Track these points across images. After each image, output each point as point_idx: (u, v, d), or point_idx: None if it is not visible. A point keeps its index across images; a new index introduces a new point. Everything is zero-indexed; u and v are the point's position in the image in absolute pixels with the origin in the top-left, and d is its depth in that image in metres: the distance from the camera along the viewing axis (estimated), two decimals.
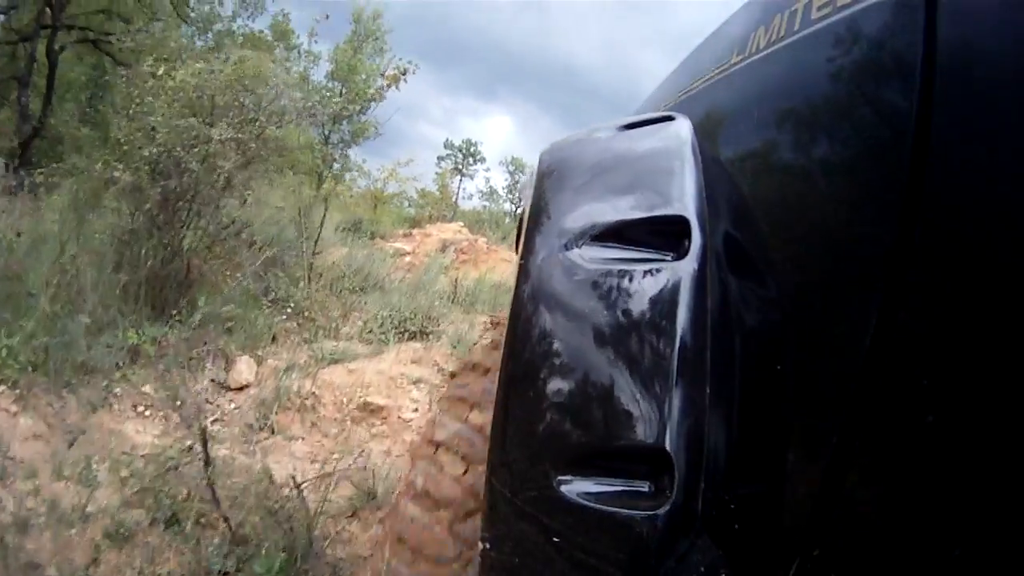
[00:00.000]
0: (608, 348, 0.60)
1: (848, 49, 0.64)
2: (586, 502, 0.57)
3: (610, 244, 0.65)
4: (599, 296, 0.62)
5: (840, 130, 0.65)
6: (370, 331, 5.59)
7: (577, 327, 0.62)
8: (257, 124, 5.18)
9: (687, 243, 0.63)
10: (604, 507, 0.57)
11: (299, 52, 21.46)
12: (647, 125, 0.76)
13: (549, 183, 0.74)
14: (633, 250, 0.64)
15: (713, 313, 0.62)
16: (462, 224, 15.62)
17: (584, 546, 0.58)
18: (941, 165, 0.53)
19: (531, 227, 0.70)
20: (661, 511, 0.55)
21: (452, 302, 7.67)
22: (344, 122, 20.48)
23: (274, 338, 4.99)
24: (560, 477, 0.59)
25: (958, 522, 0.51)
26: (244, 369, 4.25)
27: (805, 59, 0.71)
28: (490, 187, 36.06)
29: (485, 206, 32.84)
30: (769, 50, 0.76)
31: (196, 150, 4.61)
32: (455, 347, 5.35)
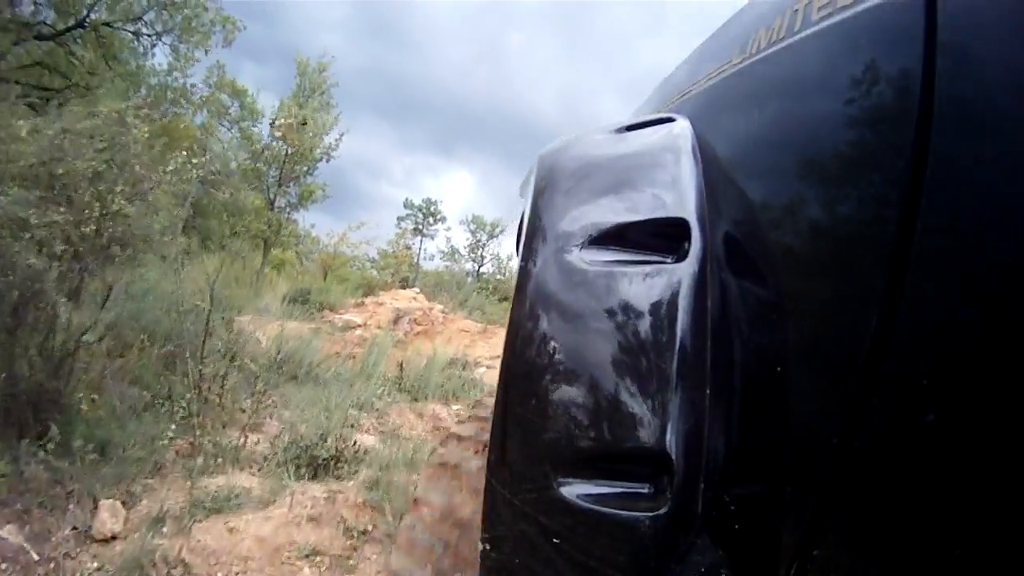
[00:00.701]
0: (608, 350, 0.60)
1: (849, 49, 0.65)
2: (586, 503, 0.57)
3: (610, 246, 0.65)
4: (599, 298, 0.62)
5: (841, 131, 0.65)
6: (269, 458, 4.37)
7: (577, 329, 0.62)
8: (112, 199, 4.19)
9: (687, 245, 0.63)
10: (604, 508, 0.57)
11: (242, 107, 21.11)
12: (647, 127, 0.76)
13: (549, 185, 0.73)
14: (633, 252, 0.64)
15: (713, 315, 0.62)
16: (418, 290, 15.20)
17: (584, 547, 0.58)
18: (942, 165, 0.53)
19: (531, 229, 0.70)
20: (661, 512, 0.56)
21: (399, 389, 7.10)
22: (291, 184, 20.27)
23: (157, 467, 3.89)
24: (560, 478, 0.59)
25: (958, 522, 0.51)
26: (107, 517, 3.29)
27: (806, 60, 0.71)
28: (451, 247, 36.06)
29: (447, 266, 32.91)
30: (770, 51, 0.76)
31: (29, 237, 3.67)
32: (371, 490, 4.02)
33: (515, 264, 0.74)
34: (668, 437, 0.57)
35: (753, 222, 0.73)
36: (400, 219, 36.53)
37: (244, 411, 4.86)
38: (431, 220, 36.42)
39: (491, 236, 35.59)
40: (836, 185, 0.66)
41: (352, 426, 5.29)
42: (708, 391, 0.59)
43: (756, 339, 0.68)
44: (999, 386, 0.49)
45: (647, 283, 0.62)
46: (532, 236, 0.69)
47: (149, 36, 12.56)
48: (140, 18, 12.18)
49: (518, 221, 0.88)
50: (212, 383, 4.80)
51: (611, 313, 0.61)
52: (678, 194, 0.67)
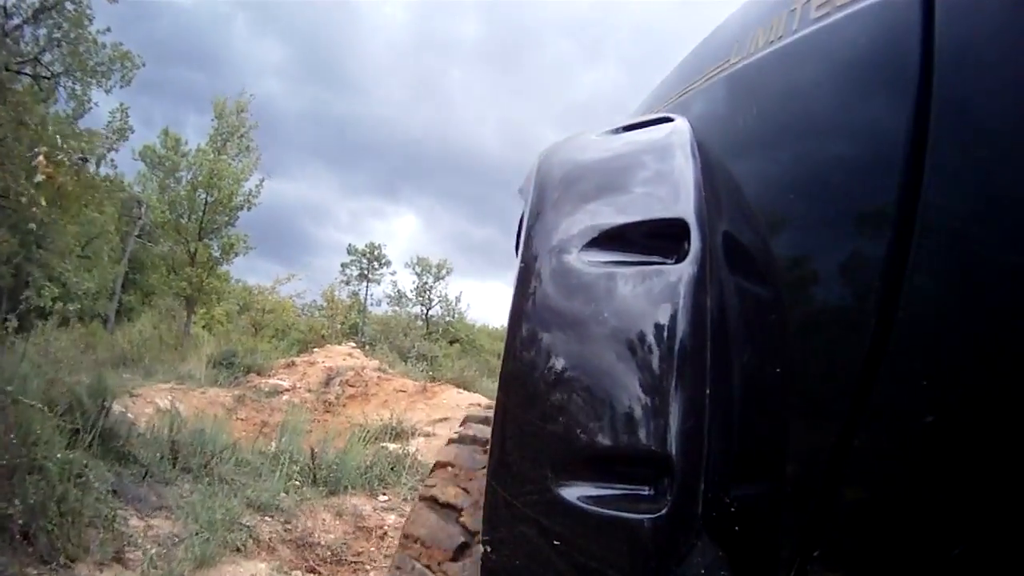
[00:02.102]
0: (608, 351, 0.60)
1: (846, 49, 0.65)
2: (586, 505, 0.57)
3: (609, 247, 0.65)
4: (598, 299, 0.62)
5: (838, 130, 0.66)
6: None
7: (576, 330, 0.62)
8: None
9: (686, 246, 0.63)
10: (604, 510, 0.57)
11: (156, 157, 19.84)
12: (645, 127, 0.76)
13: (547, 186, 0.73)
14: (632, 253, 0.64)
15: (712, 315, 0.62)
16: (353, 345, 14.32)
17: (584, 549, 0.58)
18: (940, 165, 0.53)
19: (530, 230, 0.70)
20: (661, 513, 0.56)
21: (313, 481, 5.60)
22: (211, 236, 19.47)
23: None
24: (560, 480, 0.59)
25: (958, 522, 0.51)
26: None
27: (804, 59, 0.71)
28: (398, 291, 34.99)
29: (394, 311, 32.11)
30: (768, 50, 0.76)
31: None
32: None
33: (514, 266, 0.72)
34: (668, 438, 0.57)
35: (752, 222, 0.73)
36: (344, 265, 35.70)
37: (97, 531, 3.55)
38: (376, 264, 35.81)
39: (437, 278, 34.80)
40: (834, 184, 0.66)
41: (239, 548, 4.03)
42: (708, 391, 0.59)
43: (756, 339, 0.68)
44: (998, 387, 0.49)
45: (646, 284, 0.62)
46: (531, 237, 0.69)
47: (47, 79, 11.79)
48: (36, 59, 11.42)
49: (517, 222, 0.86)
50: (59, 495, 3.39)
51: (610, 314, 0.61)
52: (677, 194, 0.66)
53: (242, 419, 8.34)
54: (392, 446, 7.27)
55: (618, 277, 0.62)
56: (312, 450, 6.02)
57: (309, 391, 10.40)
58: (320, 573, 4.20)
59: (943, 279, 0.54)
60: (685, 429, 0.57)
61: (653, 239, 0.64)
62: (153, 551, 3.65)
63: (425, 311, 33.36)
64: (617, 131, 0.77)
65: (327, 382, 10.86)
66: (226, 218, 19.21)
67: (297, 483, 5.44)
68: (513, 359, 0.65)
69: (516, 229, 0.86)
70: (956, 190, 0.53)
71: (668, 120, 0.75)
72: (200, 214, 18.37)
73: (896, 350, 0.55)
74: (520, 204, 0.84)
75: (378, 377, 11.12)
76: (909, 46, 0.57)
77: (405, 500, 5.65)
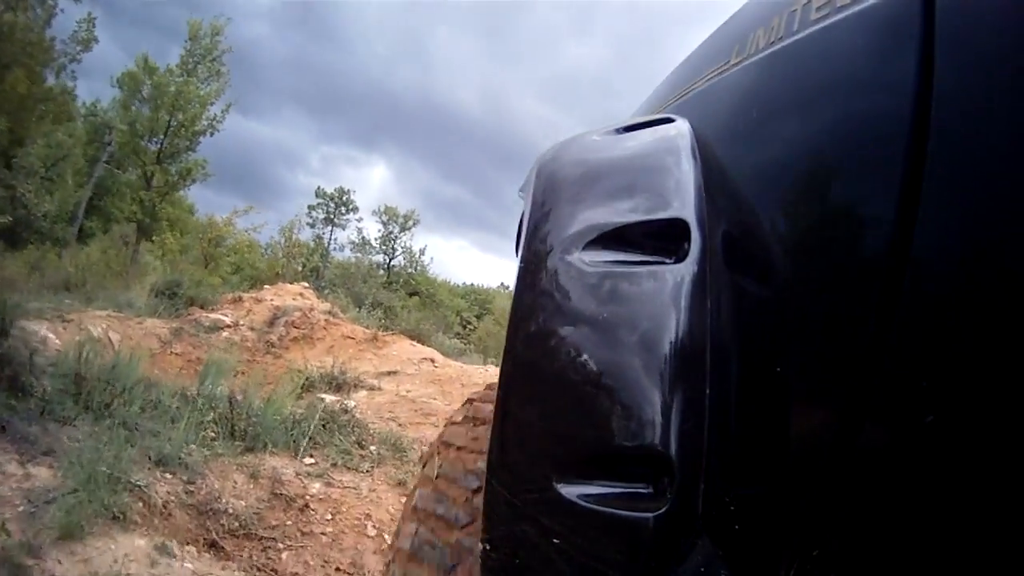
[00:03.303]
0: (608, 351, 0.60)
1: (847, 49, 0.65)
2: (586, 504, 0.57)
3: (609, 247, 0.65)
4: (598, 299, 0.62)
5: (839, 130, 0.66)
6: None
7: (576, 330, 0.62)
8: None
9: (687, 245, 0.63)
10: (604, 509, 0.57)
11: (153, 86, 18.99)
12: (646, 127, 0.76)
13: (548, 185, 0.73)
14: (633, 253, 0.64)
15: (712, 315, 0.62)
16: (306, 285, 13.24)
17: (584, 548, 0.58)
18: (940, 164, 0.54)
19: (530, 230, 0.70)
20: (661, 512, 0.56)
21: (231, 434, 4.70)
22: (170, 161, 18.74)
23: None
24: (560, 479, 0.58)
25: (958, 522, 0.51)
26: None
27: (804, 59, 0.72)
28: (362, 238, 34.59)
29: (357, 257, 31.57)
30: (768, 51, 0.77)
31: None
32: None
33: (516, 262, 0.72)
34: (668, 437, 0.57)
35: (752, 222, 0.74)
36: (311, 207, 35.14)
37: None
38: (343, 210, 35.08)
39: (403, 228, 34.49)
40: (835, 185, 0.67)
41: (118, 516, 3.17)
42: (708, 391, 0.59)
43: (756, 339, 0.68)
44: (999, 387, 0.49)
45: (647, 284, 0.62)
46: (531, 237, 0.69)
47: None
48: None
49: (517, 222, 0.86)
50: None
51: (611, 314, 0.61)
52: (677, 194, 0.67)
53: (177, 354, 7.72)
54: (330, 398, 6.46)
55: (618, 277, 0.62)
56: (231, 396, 5.06)
57: (252, 329, 9.73)
58: (222, 549, 3.50)
59: (944, 280, 0.54)
60: (685, 428, 0.57)
61: (653, 239, 0.65)
62: (20, 508, 3.01)
63: (388, 260, 33.03)
64: (618, 131, 0.77)
65: (272, 321, 10.09)
66: (187, 143, 18.58)
67: (212, 434, 4.58)
68: (513, 357, 0.65)
69: (516, 229, 0.86)
70: (957, 189, 0.53)
71: (669, 121, 0.76)
72: (161, 136, 17.66)
73: (896, 350, 0.55)
74: (520, 205, 0.84)
75: (326, 321, 10.43)
76: (909, 47, 0.57)
77: (335, 465, 4.94)
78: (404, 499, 3.77)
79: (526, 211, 0.74)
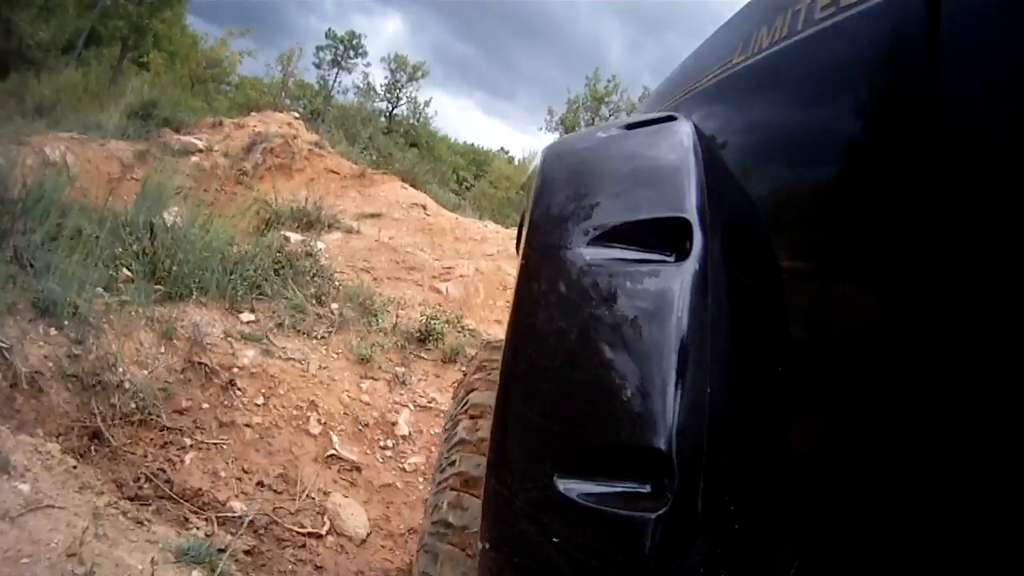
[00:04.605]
0: (609, 348, 0.60)
1: (851, 49, 0.65)
2: (586, 503, 0.57)
3: (612, 245, 0.65)
4: (600, 296, 0.62)
5: (843, 129, 0.66)
6: None
7: (578, 327, 0.62)
8: None
9: (688, 244, 0.63)
10: (604, 508, 0.57)
11: None
12: (649, 125, 0.76)
13: (551, 182, 0.73)
14: (635, 250, 0.65)
15: (714, 314, 0.63)
16: (296, 115, 11.55)
17: (584, 547, 0.58)
18: (945, 163, 0.54)
19: (533, 227, 0.70)
20: (661, 512, 0.56)
21: (152, 275, 3.37)
22: None
23: None
24: (560, 478, 0.59)
25: (958, 522, 0.52)
26: None
27: (808, 59, 0.71)
28: (367, 83, 32.85)
29: (360, 102, 29.87)
30: (771, 50, 0.76)
31: None
32: None
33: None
34: (668, 436, 0.57)
35: (754, 220, 0.74)
36: (320, 48, 33.44)
37: None
38: (351, 53, 33.08)
39: (411, 78, 32.86)
40: (838, 183, 0.67)
41: None
42: (708, 391, 0.60)
43: (757, 338, 0.69)
44: (1000, 386, 0.49)
45: (648, 282, 0.62)
46: (534, 234, 0.69)
47: None
48: None
49: (519, 220, 0.86)
50: None
51: (612, 312, 0.61)
52: (679, 193, 0.67)
53: (137, 179, 5.95)
54: (296, 237, 5.16)
55: (620, 275, 0.62)
56: (152, 222, 3.62)
57: (225, 155, 8.45)
58: (107, 443, 2.40)
59: (944, 280, 0.54)
60: (686, 427, 0.57)
61: (655, 237, 0.65)
62: None
63: (390, 108, 31.62)
64: (621, 129, 0.77)
65: (249, 148, 8.78)
66: None
67: (128, 273, 3.30)
68: (515, 355, 0.65)
69: (518, 227, 0.86)
70: (961, 188, 0.53)
71: (672, 119, 0.75)
72: None
73: (897, 349, 0.55)
74: (520, 205, 0.83)
75: (309, 151, 9.10)
76: (914, 46, 0.57)
77: (280, 326, 3.63)
78: (365, 384, 3.41)
79: (529, 207, 0.74)
